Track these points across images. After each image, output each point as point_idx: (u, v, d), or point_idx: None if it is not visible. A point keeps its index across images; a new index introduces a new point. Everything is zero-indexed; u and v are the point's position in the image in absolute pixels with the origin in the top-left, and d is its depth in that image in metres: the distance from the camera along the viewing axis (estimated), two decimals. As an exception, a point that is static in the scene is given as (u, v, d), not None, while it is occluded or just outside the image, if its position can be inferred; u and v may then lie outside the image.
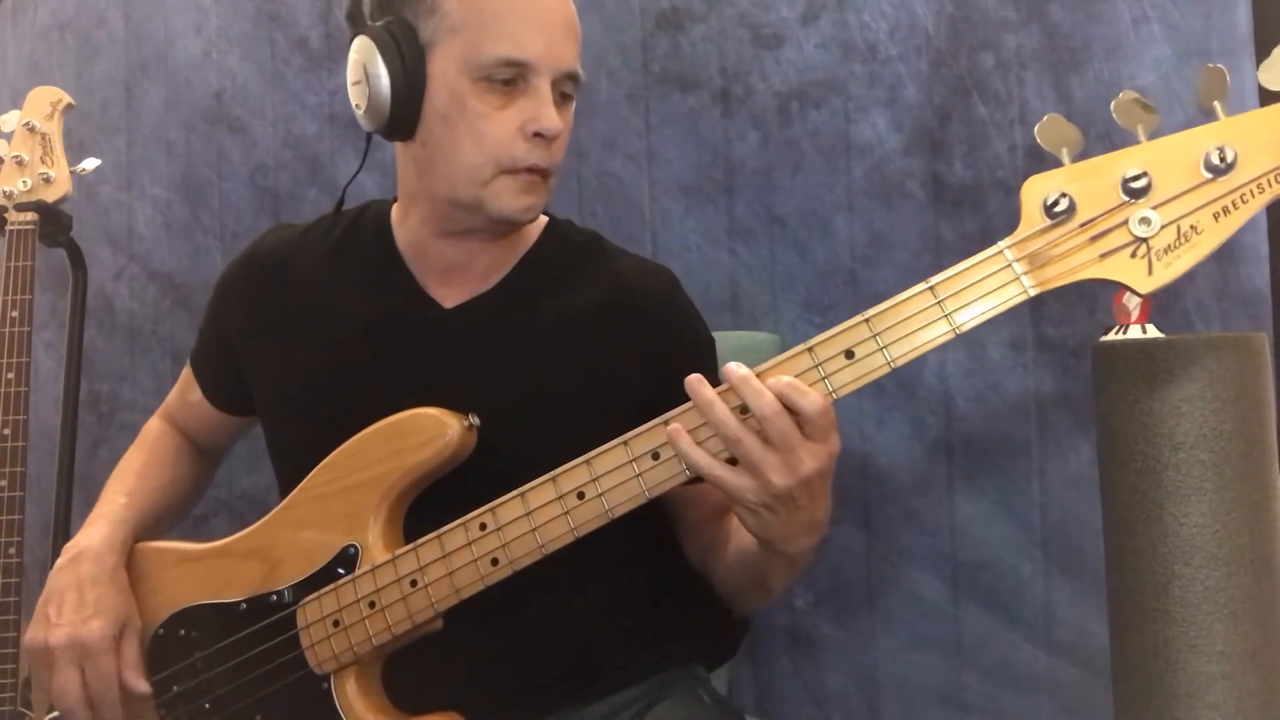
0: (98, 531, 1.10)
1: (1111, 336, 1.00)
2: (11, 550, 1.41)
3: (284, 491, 1.10)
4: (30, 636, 1.04)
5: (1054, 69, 1.47)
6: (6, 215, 1.51)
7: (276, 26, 1.92)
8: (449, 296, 1.11)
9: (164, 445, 1.24)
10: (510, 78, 1.01)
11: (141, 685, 1.04)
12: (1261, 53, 1.39)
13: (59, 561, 1.08)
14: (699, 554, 1.14)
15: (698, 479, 0.93)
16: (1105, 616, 1.01)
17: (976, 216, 1.52)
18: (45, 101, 1.55)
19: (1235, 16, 1.40)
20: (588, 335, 1.09)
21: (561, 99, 1.04)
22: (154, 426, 1.27)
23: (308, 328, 1.13)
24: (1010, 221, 1.50)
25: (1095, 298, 1.43)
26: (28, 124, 1.53)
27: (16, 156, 1.52)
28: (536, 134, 1.01)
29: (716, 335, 1.19)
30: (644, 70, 1.68)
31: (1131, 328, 1.00)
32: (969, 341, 1.51)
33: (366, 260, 1.14)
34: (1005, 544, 1.51)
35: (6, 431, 1.43)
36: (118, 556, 1.08)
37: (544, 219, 1.17)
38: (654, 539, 1.15)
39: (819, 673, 1.61)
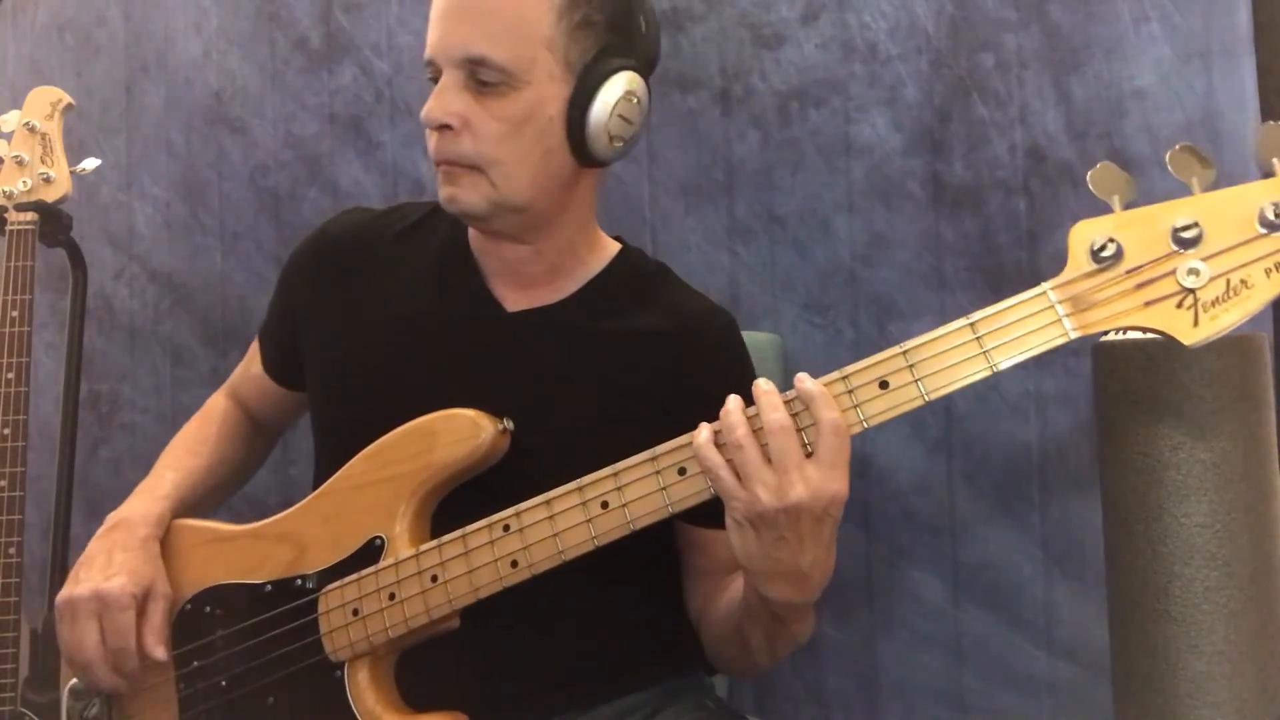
0: (138, 504, 1.13)
1: (1111, 336, 1.00)
2: (11, 550, 1.41)
3: (320, 470, 1.12)
4: (60, 595, 1.06)
5: (1054, 69, 1.47)
6: (6, 215, 1.51)
7: (276, 26, 1.92)
8: (513, 301, 1.11)
9: (220, 422, 1.26)
10: (433, 77, 1.04)
11: (159, 651, 1.05)
12: (1262, 53, 1.40)
13: (99, 531, 1.10)
14: (699, 603, 1.13)
15: (712, 522, 0.93)
16: (1105, 616, 1.01)
17: (976, 216, 1.52)
18: (45, 101, 1.55)
19: (1235, 16, 1.40)
20: (640, 361, 1.09)
21: (479, 86, 1.01)
22: (216, 401, 1.29)
23: (367, 309, 1.13)
24: (1009, 221, 1.51)
25: (1095, 298, 1.43)
26: (28, 124, 1.53)
27: (16, 156, 1.52)
28: (434, 126, 1.02)
29: (716, 335, 1.19)
30: (644, 70, 1.68)
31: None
32: (969, 341, 1.51)
33: (438, 250, 1.15)
34: (1005, 544, 1.51)
35: (6, 431, 1.42)
36: (151, 529, 1.10)
37: (616, 245, 1.17)
38: (662, 546, 1.15)
39: (819, 673, 1.61)
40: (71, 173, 1.54)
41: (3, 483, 1.42)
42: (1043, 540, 1.49)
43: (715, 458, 0.88)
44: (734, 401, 0.89)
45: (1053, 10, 1.47)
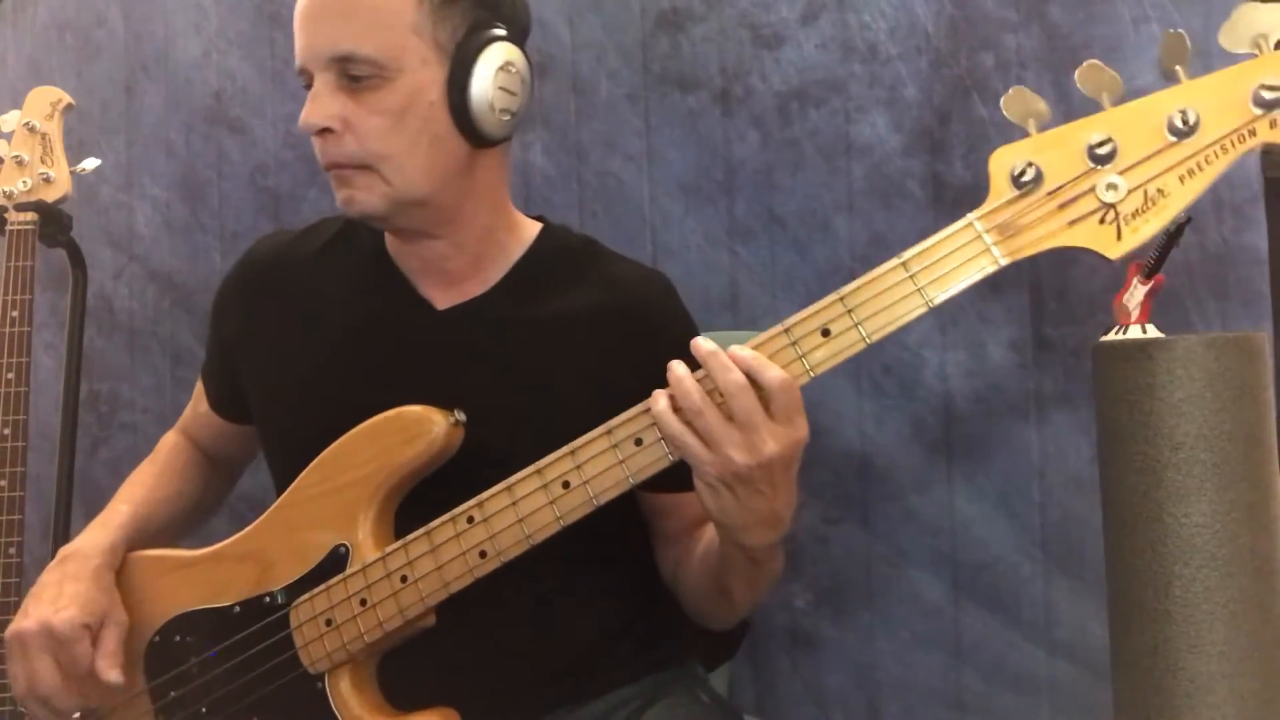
0: (90, 536, 1.11)
1: (1111, 336, 1.00)
2: (11, 550, 1.41)
3: (279, 494, 1.10)
4: (9, 629, 1.04)
5: (1054, 69, 1.47)
6: (6, 215, 1.51)
7: (276, 26, 1.92)
8: (442, 298, 1.11)
9: (175, 457, 1.25)
10: (308, 84, 1.03)
11: (113, 674, 1.02)
12: (1261, 53, 1.39)
13: (50, 565, 1.09)
14: (671, 565, 1.13)
15: (676, 487, 0.93)
16: (1105, 616, 1.01)
17: (976, 216, 1.52)
18: (45, 101, 1.55)
19: (1235, 16, 1.40)
20: (580, 338, 1.09)
21: (353, 83, 1.00)
22: (169, 439, 1.28)
23: (300, 329, 1.13)
24: (1010, 221, 1.51)
25: (1095, 298, 1.43)
26: (28, 124, 1.53)
27: (16, 156, 1.52)
28: (314, 131, 1.02)
29: (716, 335, 1.19)
30: (644, 70, 1.68)
31: (1131, 328, 1.00)
32: (969, 342, 1.51)
33: (360, 261, 1.14)
34: (1005, 544, 1.51)
35: (6, 431, 1.43)
36: (104, 559, 1.08)
37: (537, 225, 1.16)
38: (644, 535, 1.14)
39: (819, 673, 1.61)
40: (71, 173, 1.54)
41: (3, 483, 1.42)
42: (1043, 540, 1.49)
43: (677, 426, 0.88)
44: (681, 367, 0.89)
45: (1053, 10, 1.47)
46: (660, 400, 0.89)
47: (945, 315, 1.50)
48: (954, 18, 1.52)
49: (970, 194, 1.52)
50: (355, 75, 1.00)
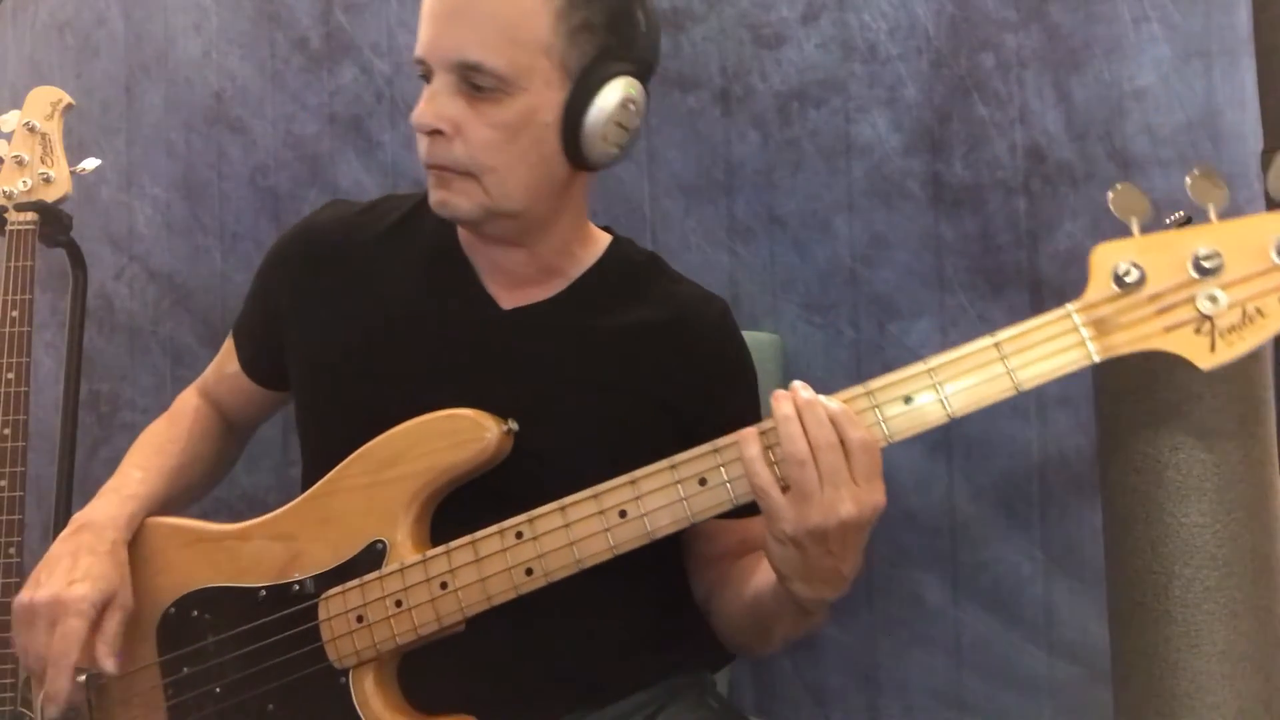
0: (104, 505, 1.09)
1: (1112, 337, 1.00)
2: (11, 550, 1.41)
3: (308, 472, 1.09)
4: (18, 598, 1.02)
5: (1054, 69, 1.47)
6: (6, 215, 1.51)
7: (276, 26, 1.92)
8: (508, 299, 1.10)
9: (191, 420, 1.22)
10: (424, 75, 1.02)
11: (109, 663, 1.00)
12: (1261, 52, 1.40)
13: (63, 531, 1.06)
14: (705, 588, 1.13)
15: (722, 514, 0.93)
16: (1105, 616, 1.01)
17: (976, 216, 1.52)
18: (45, 101, 1.54)
19: (1235, 16, 1.40)
20: (636, 354, 1.08)
21: (473, 90, 0.99)
22: (187, 399, 1.25)
23: (357, 308, 1.11)
24: (1009, 221, 1.51)
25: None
26: (28, 124, 1.53)
27: (16, 156, 1.52)
28: (426, 131, 1.01)
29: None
30: (644, 70, 1.68)
31: (1132, 328, 1.00)
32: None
33: (428, 248, 1.12)
34: (1005, 544, 1.51)
35: (6, 431, 1.42)
36: (120, 532, 1.06)
37: (607, 237, 1.16)
38: (665, 544, 1.14)
39: (819, 673, 1.61)
40: (71, 173, 1.54)
41: (3, 483, 1.41)
42: (1043, 540, 1.49)
43: (768, 475, 0.86)
44: (790, 407, 0.85)
45: (1053, 10, 1.47)
46: (753, 445, 0.87)
47: (945, 316, 1.50)
48: (954, 18, 1.52)
49: (970, 194, 1.52)
50: (478, 85, 0.98)
